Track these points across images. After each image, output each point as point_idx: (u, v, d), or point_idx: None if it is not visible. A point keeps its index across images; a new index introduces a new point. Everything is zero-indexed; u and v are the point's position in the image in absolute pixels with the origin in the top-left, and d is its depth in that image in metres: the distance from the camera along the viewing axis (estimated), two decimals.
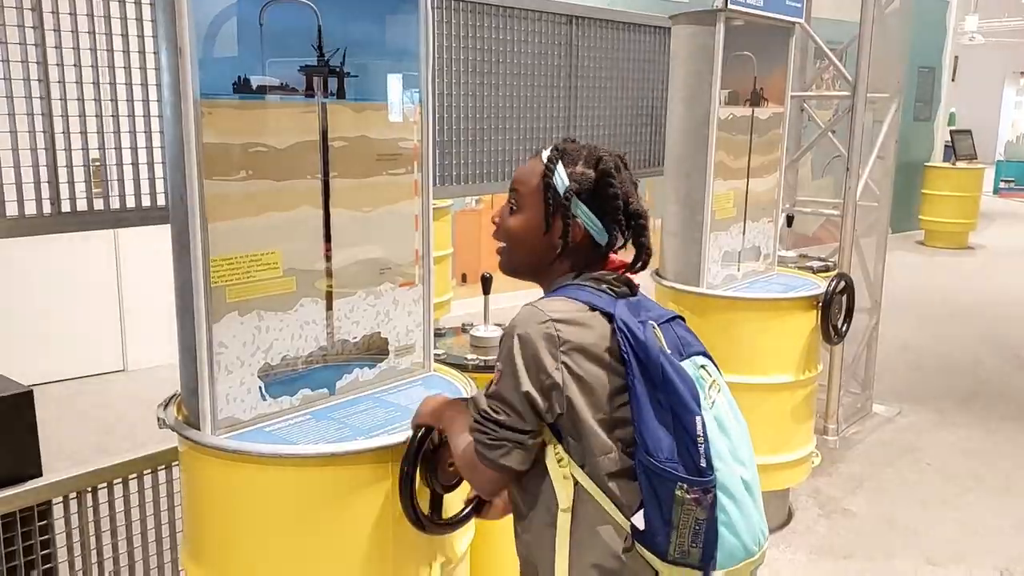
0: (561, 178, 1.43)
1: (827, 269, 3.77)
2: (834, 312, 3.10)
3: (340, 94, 1.81)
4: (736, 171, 3.19)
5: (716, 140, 3.05)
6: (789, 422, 3.18)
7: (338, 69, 1.80)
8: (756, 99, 3.22)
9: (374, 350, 1.98)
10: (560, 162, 1.44)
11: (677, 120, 3.15)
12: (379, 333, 1.99)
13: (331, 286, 1.86)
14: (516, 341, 1.35)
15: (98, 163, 2.09)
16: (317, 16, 1.74)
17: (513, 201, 1.48)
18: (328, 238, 1.84)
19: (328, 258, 1.85)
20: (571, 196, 1.41)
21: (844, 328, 3.20)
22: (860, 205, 4.54)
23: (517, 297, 1.99)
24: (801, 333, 3.12)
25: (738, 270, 3.31)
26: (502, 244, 1.51)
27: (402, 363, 2.05)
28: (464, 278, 7.07)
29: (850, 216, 4.08)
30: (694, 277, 3.13)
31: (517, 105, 2.95)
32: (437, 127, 2.63)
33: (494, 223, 1.51)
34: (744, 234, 3.30)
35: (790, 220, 3.96)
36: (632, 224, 1.44)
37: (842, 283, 3.14)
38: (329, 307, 1.87)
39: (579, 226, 1.43)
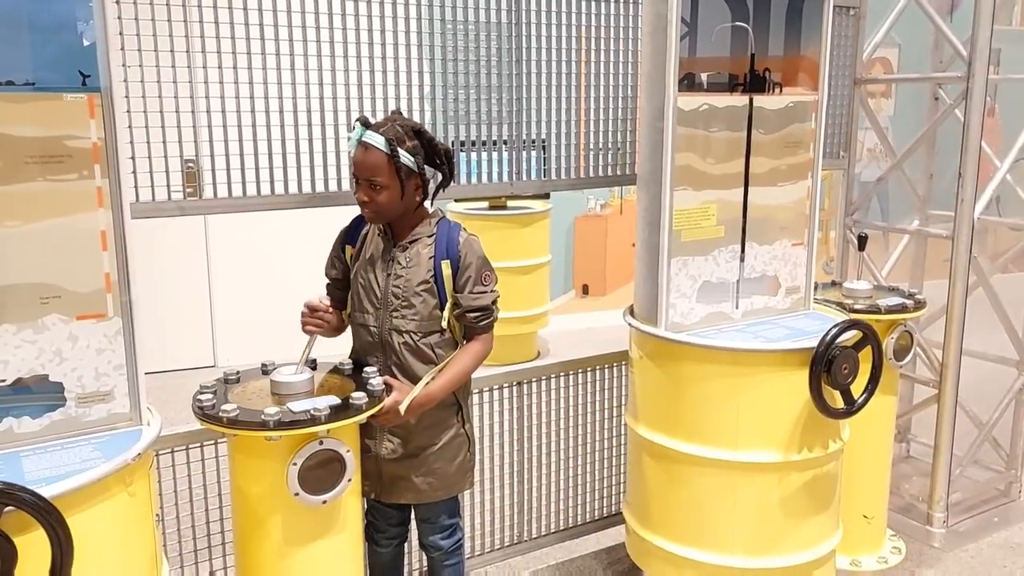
0: (407, 158, 2.02)
1: (903, 309, 2.82)
2: (841, 372, 2.23)
3: None
4: (721, 179, 2.42)
5: (682, 137, 2.32)
6: (778, 516, 2.35)
7: None
8: (758, 83, 2.43)
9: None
10: (399, 146, 2.00)
11: (641, 113, 2.45)
12: (46, 376, 1.62)
13: None
14: (483, 253, 2.12)
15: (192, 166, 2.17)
16: None
17: (376, 187, 2.01)
18: None
19: None
20: (419, 167, 2.06)
21: (863, 397, 2.31)
22: (994, 223, 3.45)
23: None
24: (794, 398, 2.30)
25: (735, 307, 2.53)
26: (372, 213, 2.06)
27: (93, 412, 1.67)
28: (586, 289, 6.50)
29: (964, 239, 3.05)
30: (655, 314, 2.42)
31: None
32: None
33: (362, 200, 2.04)
34: (743, 260, 2.51)
35: (862, 241, 3.02)
36: (448, 160, 2.11)
37: (852, 333, 2.26)
38: None
39: (424, 180, 2.09)
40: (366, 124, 2.03)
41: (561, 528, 3.00)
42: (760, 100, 2.43)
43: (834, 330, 2.21)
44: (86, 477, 1.46)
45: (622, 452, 3.04)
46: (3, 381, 1.58)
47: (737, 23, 2.35)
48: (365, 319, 2.12)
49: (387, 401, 1.94)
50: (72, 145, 1.58)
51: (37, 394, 1.62)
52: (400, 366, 2.09)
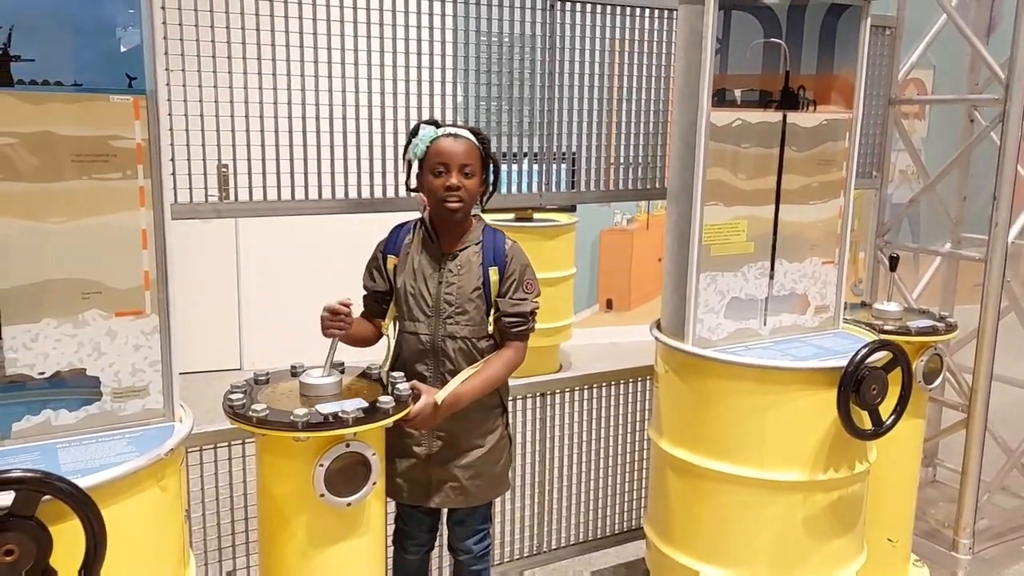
0: (494, 153, 2.18)
1: (934, 332, 2.79)
2: (870, 393, 2.22)
3: (4, 81, 1.51)
4: (752, 194, 2.42)
5: (714, 152, 2.33)
6: (801, 535, 2.34)
7: None
8: (792, 100, 2.43)
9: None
10: (483, 138, 2.15)
11: (673, 128, 2.46)
12: (84, 370, 1.65)
13: None
14: (527, 261, 2.18)
15: (225, 169, 2.20)
16: None
17: (469, 173, 2.09)
18: None
19: None
20: (494, 164, 2.17)
21: (891, 418, 2.29)
22: None
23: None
24: (821, 418, 2.28)
25: (763, 324, 2.52)
26: (460, 201, 2.08)
27: (128, 407, 1.70)
28: (610, 304, 6.49)
29: (997, 262, 3.02)
30: (682, 329, 2.42)
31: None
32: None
33: (455, 186, 2.07)
34: (772, 277, 2.51)
35: (894, 262, 3.00)
36: (497, 169, 2.20)
37: (882, 354, 2.25)
38: None
39: (486, 181, 2.18)
40: (436, 124, 2.12)
41: (581, 540, 3.00)
42: (794, 117, 2.43)
43: (864, 350, 2.20)
44: (120, 470, 1.48)
45: (643, 467, 3.03)
46: (42, 374, 1.61)
47: (772, 39, 2.36)
48: (416, 327, 2.14)
49: (419, 403, 1.95)
50: (117, 145, 1.61)
51: (74, 388, 1.65)
52: (453, 372, 2.12)
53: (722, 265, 2.41)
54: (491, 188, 2.19)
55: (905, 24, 3.35)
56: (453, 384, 2.06)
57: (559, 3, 2.57)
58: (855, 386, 2.20)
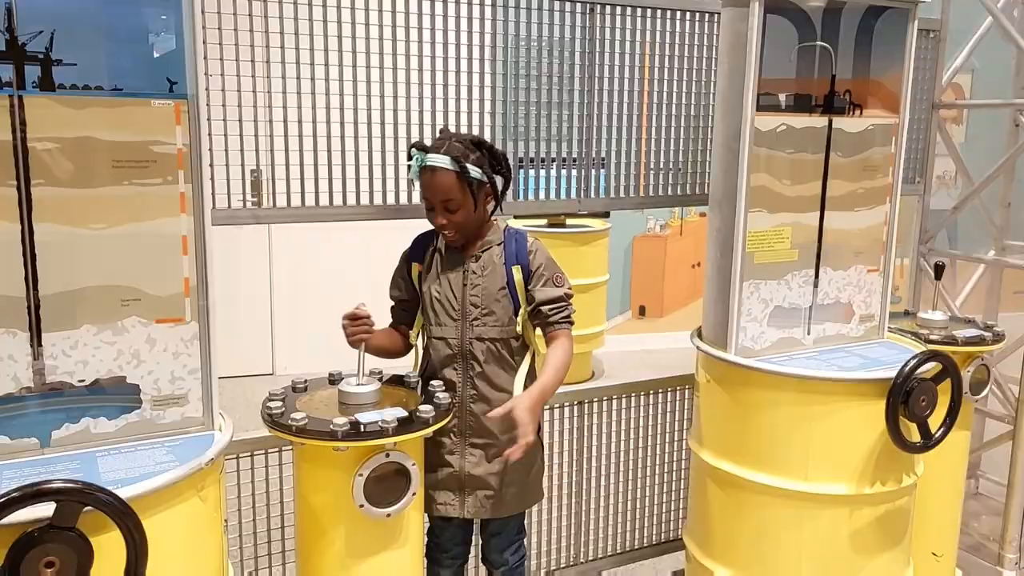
0: (475, 171, 2.02)
1: (981, 342, 2.71)
2: (919, 405, 2.15)
3: (45, 85, 1.50)
4: (796, 201, 2.36)
5: (757, 158, 2.27)
6: (846, 550, 2.27)
7: (41, 55, 1.48)
8: (836, 105, 2.37)
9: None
10: (465, 161, 2.00)
11: (716, 133, 2.42)
12: (123, 378, 1.64)
13: (37, 316, 1.55)
14: (551, 256, 2.15)
15: (256, 174, 2.19)
16: None
17: (452, 208, 2.02)
18: (31, 259, 1.53)
19: (32, 283, 1.53)
20: (488, 177, 2.06)
21: (940, 431, 2.22)
22: None
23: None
24: (868, 430, 2.22)
25: (807, 333, 2.46)
26: (454, 232, 2.06)
27: (167, 416, 1.68)
28: (643, 310, 6.43)
29: None
30: (725, 338, 2.37)
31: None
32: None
33: (442, 224, 2.04)
34: (816, 286, 2.45)
35: (939, 270, 2.92)
36: (506, 164, 2.12)
37: (931, 364, 2.18)
38: (38, 342, 1.56)
39: (495, 187, 2.08)
40: (423, 148, 2.02)
41: (618, 551, 2.95)
42: (839, 122, 2.37)
43: (913, 361, 2.13)
44: (161, 480, 1.46)
45: (681, 477, 2.97)
46: (82, 381, 1.60)
47: (820, 43, 2.30)
48: (443, 332, 2.12)
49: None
50: (158, 150, 1.60)
51: (113, 395, 1.63)
52: (482, 374, 2.10)
53: (766, 273, 2.36)
54: (499, 196, 2.11)
55: (948, 27, 3.28)
56: (532, 388, 2.01)
57: (598, 7, 2.53)
58: (904, 398, 2.14)
